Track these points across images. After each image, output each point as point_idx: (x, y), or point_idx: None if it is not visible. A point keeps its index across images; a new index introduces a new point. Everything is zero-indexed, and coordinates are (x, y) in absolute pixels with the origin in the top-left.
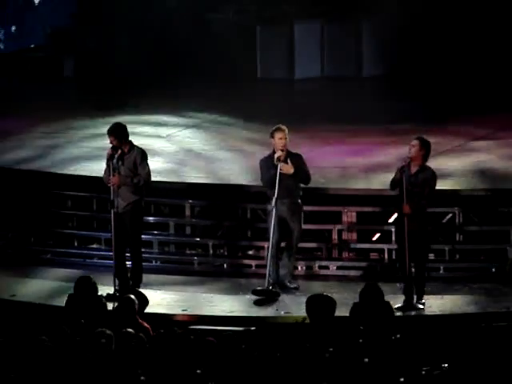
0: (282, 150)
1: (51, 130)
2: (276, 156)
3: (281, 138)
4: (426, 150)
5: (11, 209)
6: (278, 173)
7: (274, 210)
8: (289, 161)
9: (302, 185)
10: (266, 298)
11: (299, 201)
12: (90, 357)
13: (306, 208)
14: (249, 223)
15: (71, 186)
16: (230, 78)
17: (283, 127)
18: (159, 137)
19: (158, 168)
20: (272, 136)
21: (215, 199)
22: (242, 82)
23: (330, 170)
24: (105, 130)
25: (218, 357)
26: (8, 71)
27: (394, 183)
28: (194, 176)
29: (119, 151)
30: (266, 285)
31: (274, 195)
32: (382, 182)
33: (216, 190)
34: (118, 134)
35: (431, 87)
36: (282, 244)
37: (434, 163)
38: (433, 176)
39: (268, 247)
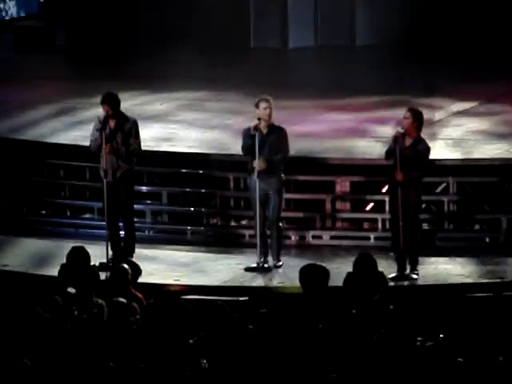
0: (265, 120)
1: (43, 100)
2: (252, 126)
3: (265, 108)
4: (418, 121)
5: (3, 178)
6: (256, 143)
7: (257, 183)
8: (262, 158)
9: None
10: (258, 269)
11: (281, 175)
12: (83, 326)
13: (299, 177)
14: (242, 193)
15: (64, 155)
16: (223, 49)
17: (268, 97)
18: (151, 105)
19: (150, 137)
20: (257, 106)
21: (207, 168)
22: (236, 52)
23: (324, 140)
24: (96, 99)
25: (211, 327)
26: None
27: (389, 153)
28: (186, 145)
29: (114, 120)
30: (258, 260)
31: (254, 167)
32: (377, 151)
33: (207, 160)
34: (113, 102)
35: (427, 56)
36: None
37: (428, 132)
38: (427, 150)
39: (255, 223)
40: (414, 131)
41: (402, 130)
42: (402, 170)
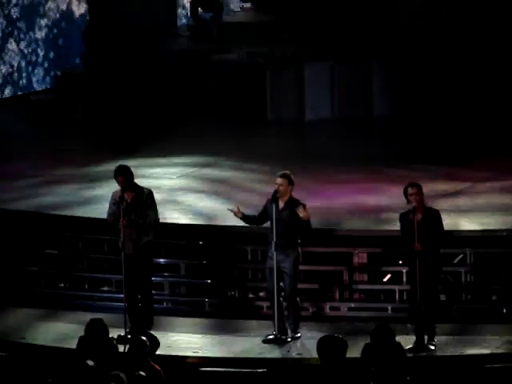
0: (280, 195)
1: (63, 174)
2: (268, 198)
3: (278, 184)
4: (422, 192)
5: (22, 251)
6: (273, 215)
7: (274, 255)
8: (306, 208)
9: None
10: (276, 340)
11: (297, 248)
12: None
13: (316, 249)
14: (259, 265)
15: (81, 228)
16: (239, 120)
17: (285, 173)
18: (169, 178)
19: (168, 209)
20: None
21: (226, 241)
22: (253, 123)
23: (341, 212)
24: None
25: None
26: (16, 114)
27: (404, 229)
28: (206, 218)
29: (130, 193)
30: (275, 333)
31: (272, 239)
32: (393, 223)
33: (227, 232)
34: (127, 174)
35: (441, 129)
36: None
37: (445, 204)
38: (439, 215)
39: (272, 294)
40: (421, 204)
41: (414, 204)
42: (420, 242)
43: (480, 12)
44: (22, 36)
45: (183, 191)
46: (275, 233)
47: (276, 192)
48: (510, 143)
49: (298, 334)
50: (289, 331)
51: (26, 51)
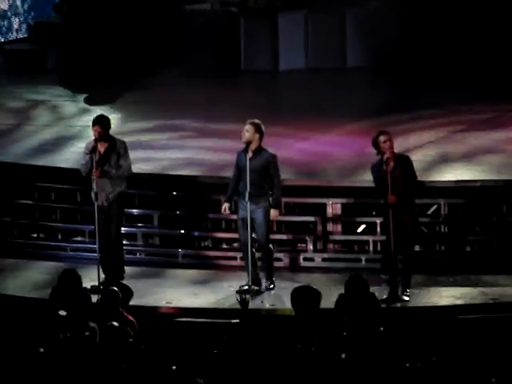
0: (246, 143)
1: (38, 124)
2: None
3: (245, 131)
4: (392, 139)
5: None
6: (247, 165)
7: (247, 205)
8: (273, 211)
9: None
10: (250, 291)
11: (268, 197)
12: (74, 349)
13: (291, 200)
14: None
15: (54, 178)
16: (213, 71)
17: (254, 121)
18: (143, 129)
19: (140, 159)
20: None
21: (197, 191)
22: (226, 74)
23: (315, 163)
24: (86, 123)
25: (203, 349)
26: None
27: (377, 181)
28: (177, 168)
29: (104, 143)
30: (249, 283)
31: (245, 189)
32: (367, 174)
33: (196, 182)
34: (104, 124)
35: (416, 78)
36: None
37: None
38: (410, 161)
39: (244, 245)
40: (393, 152)
41: (387, 155)
42: (394, 193)
43: None
44: None
45: (155, 139)
46: (248, 183)
47: (248, 143)
48: (481, 95)
49: (272, 285)
50: (262, 282)
51: None
